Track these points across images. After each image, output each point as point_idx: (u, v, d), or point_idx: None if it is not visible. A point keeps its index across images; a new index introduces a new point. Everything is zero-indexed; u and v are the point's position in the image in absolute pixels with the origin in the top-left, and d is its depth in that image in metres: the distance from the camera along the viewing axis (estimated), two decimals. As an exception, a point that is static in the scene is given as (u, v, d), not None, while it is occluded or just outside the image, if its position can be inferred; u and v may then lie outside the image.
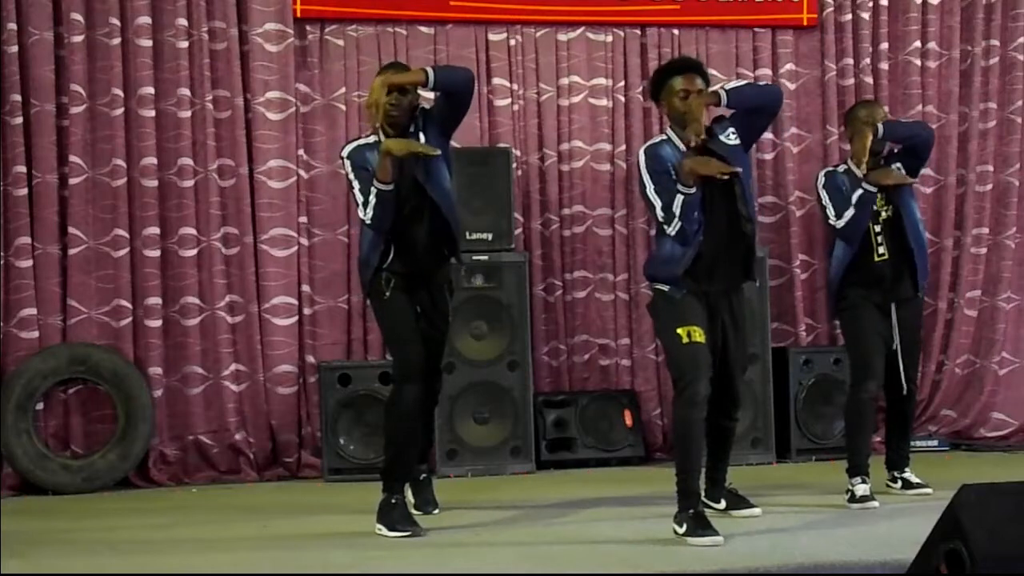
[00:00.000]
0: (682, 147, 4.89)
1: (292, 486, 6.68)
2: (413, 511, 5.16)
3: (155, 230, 6.81)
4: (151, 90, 6.80)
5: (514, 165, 7.04)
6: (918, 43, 7.66)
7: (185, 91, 6.86)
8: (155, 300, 6.80)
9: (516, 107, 7.31)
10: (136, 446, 6.60)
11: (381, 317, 5.26)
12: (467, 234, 6.67)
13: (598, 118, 7.41)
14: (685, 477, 4.70)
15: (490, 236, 6.83)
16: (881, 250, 5.61)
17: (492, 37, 7.32)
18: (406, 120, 5.11)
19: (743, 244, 4.96)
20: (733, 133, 4.95)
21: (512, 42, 7.33)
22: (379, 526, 4.91)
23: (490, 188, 6.82)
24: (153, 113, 6.82)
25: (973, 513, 3.11)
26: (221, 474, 6.82)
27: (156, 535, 5.17)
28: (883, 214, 5.62)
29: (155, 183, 6.82)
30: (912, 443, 6.11)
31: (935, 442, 7.43)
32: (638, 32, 7.47)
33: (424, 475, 5.56)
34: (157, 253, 6.82)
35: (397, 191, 4.97)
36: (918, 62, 7.67)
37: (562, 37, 7.40)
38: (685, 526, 4.61)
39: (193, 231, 6.87)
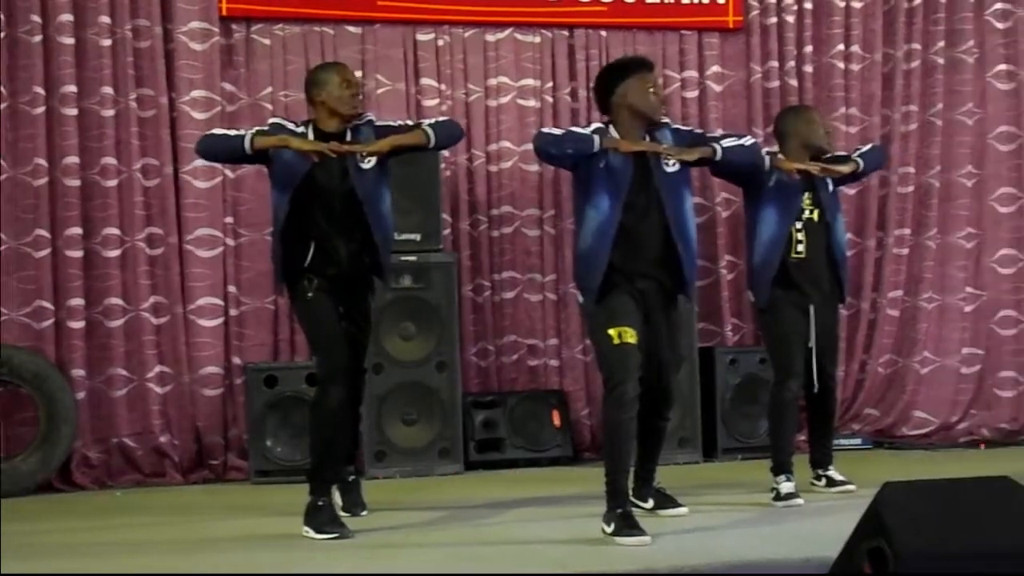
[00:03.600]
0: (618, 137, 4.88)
1: (218, 488, 6.63)
2: (341, 513, 5.14)
3: (78, 230, 6.72)
4: (73, 88, 6.71)
5: (442, 165, 7.03)
6: (841, 46, 7.75)
7: (108, 89, 6.78)
8: (78, 301, 6.71)
9: (444, 107, 7.30)
10: (58, 449, 6.50)
11: (304, 319, 5.22)
12: (396, 234, 6.65)
13: (526, 119, 7.42)
14: (614, 477, 4.71)
15: (418, 236, 6.82)
16: (800, 248, 5.65)
17: (420, 37, 7.31)
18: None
19: (675, 255, 4.92)
20: (673, 161, 4.94)
21: (440, 42, 7.33)
22: (306, 528, 4.87)
23: (418, 188, 6.79)
24: (75, 112, 6.73)
25: (896, 510, 3.13)
26: (146, 477, 6.74)
27: (80, 539, 5.10)
28: (806, 213, 5.67)
29: (78, 182, 6.73)
30: (835, 441, 6.17)
31: (858, 440, 7.53)
32: (566, 33, 7.50)
33: (352, 477, 5.54)
34: (80, 253, 6.73)
35: (307, 182, 4.96)
36: (841, 65, 7.76)
37: (490, 38, 7.41)
38: (613, 525, 4.62)
39: (117, 231, 6.79)
